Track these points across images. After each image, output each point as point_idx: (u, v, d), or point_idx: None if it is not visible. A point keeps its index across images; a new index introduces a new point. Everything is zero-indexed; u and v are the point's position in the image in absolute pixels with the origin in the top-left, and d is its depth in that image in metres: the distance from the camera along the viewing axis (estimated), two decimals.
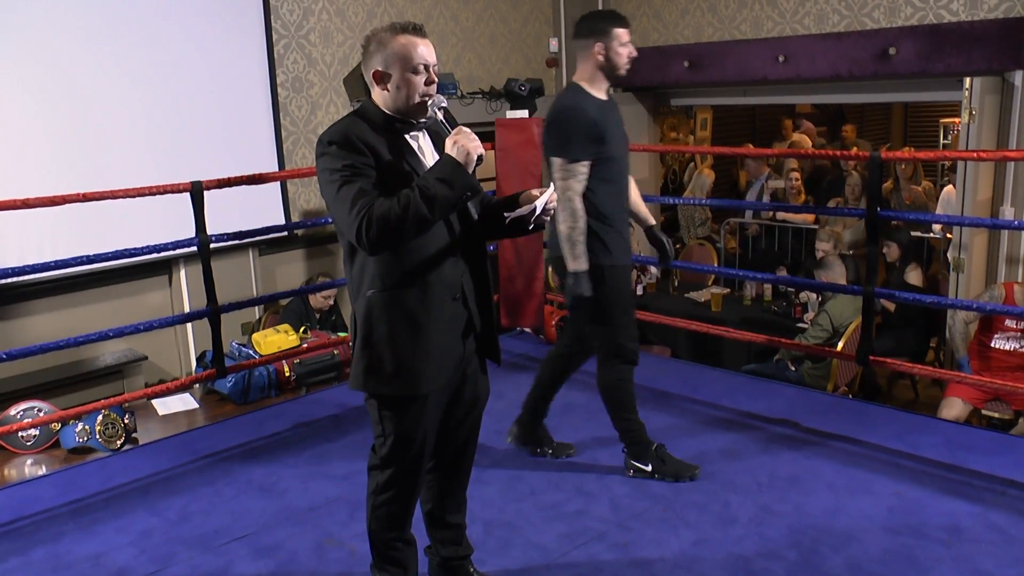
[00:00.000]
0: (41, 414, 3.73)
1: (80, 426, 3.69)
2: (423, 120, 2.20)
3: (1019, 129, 5.07)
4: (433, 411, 2.25)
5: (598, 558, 2.72)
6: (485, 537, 2.82)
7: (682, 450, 3.34)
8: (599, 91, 3.02)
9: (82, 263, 3.60)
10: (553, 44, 7.11)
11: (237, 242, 4.53)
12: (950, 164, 7.34)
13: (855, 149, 8.03)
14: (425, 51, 2.13)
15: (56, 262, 3.59)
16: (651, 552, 2.74)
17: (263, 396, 4.32)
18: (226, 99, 5.16)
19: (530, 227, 2.21)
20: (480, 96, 6.28)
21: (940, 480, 3.14)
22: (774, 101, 7.43)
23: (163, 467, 3.47)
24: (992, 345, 4.34)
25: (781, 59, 5.95)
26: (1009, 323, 4.27)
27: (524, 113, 4.85)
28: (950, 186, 6.19)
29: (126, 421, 3.82)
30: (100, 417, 3.72)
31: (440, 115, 2.17)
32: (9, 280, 3.90)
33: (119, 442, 3.75)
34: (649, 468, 3.20)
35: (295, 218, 5.57)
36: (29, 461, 3.70)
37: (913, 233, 6.01)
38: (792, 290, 5.77)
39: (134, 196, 3.61)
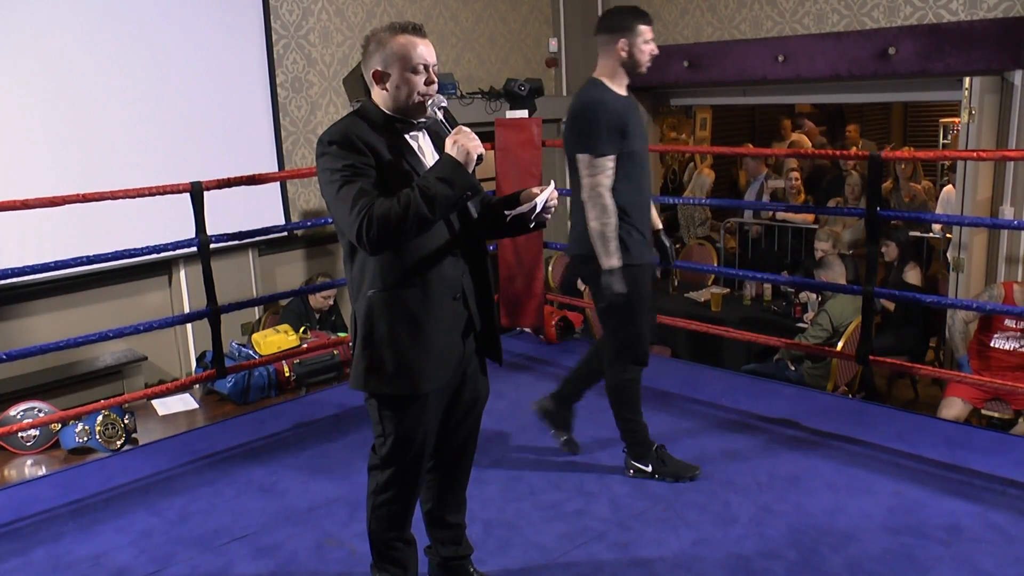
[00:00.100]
0: (41, 415, 3.73)
1: (80, 426, 3.69)
2: (423, 120, 2.20)
3: (1019, 129, 5.07)
4: (433, 411, 2.25)
5: (598, 558, 2.72)
6: (485, 537, 2.82)
7: (682, 450, 3.34)
8: (620, 87, 3.00)
9: (82, 263, 3.60)
10: (552, 44, 7.12)
11: (237, 242, 4.53)
12: (950, 164, 7.34)
13: (854, 149, 8.03)
14: (425, 51, 2.13)
15: (56, 263, 3.59)
16: (651, 552, 2.74)
17: (263, 396, 4.32)
18: (226, 99, 5.17)
19: (531, 225, 2.21)
20: (480, 96, 6.28)
21: (940, 480, 3.14)
22: (774, 101, 7.43)
23: (163, 467, 3.47)
24: (992, 345, 4.34)
25: (780, 59, 5.95)
26: (1009, 323, 4.28)
27: (524, 113, 4.85)
28: (950, 186, 6.19)
29: (126, 421, 3.82)
30: (100, 417, 3.72)
31: (440, 115, 2.17)
32: (9, 281, 3.89)
33: (119, 442, 3.75)
34: (649, 469, 3.20)
35: (295, 218, 5.57)
36: (29, 461, 3.70)
37: (913, 233, 6.01)
38: (792, 290, 5.78)
39: (134, 196, 3.60)
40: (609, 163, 2.90)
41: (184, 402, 4.26)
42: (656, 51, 3.02)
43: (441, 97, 2.18)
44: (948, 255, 5.50)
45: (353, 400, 3.95)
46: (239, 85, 5.23)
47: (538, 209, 2.16)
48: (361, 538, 2.49)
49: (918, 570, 2.59)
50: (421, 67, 2.12)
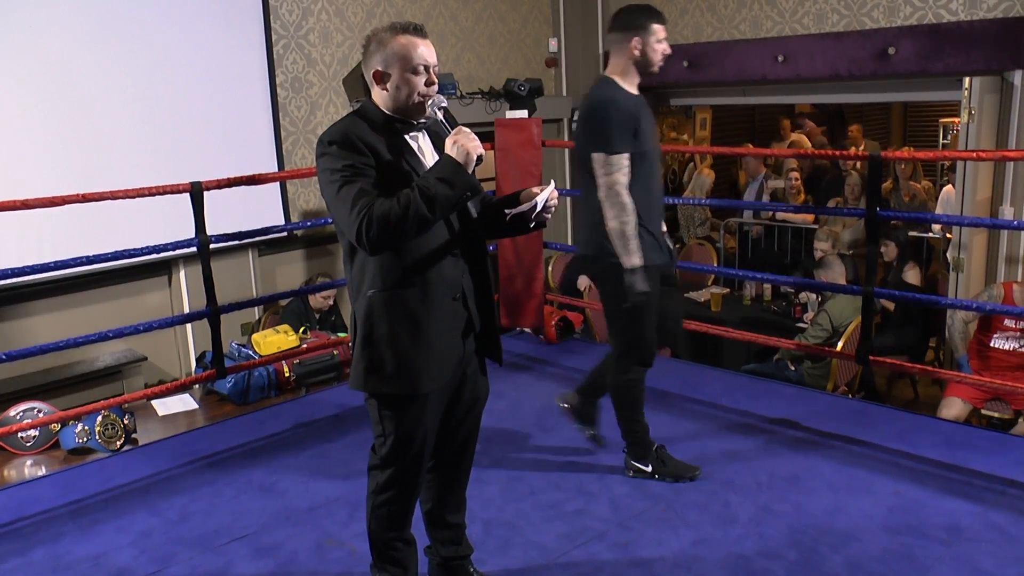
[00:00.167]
0: (41, 415, 3.73)
1: (80, 427, 3.69)
2: (423, 120, 2.20)
3: (1018, 129, 5.07)
4: (433, 411, 2.25)
5: (598, 558, 2.72)
6: (485, 537, 2.82)
7: (682, 450, 3.34)
8: (631, 86, 2.98)
9: (82, 264, 3.59)
10: (552, 44, 7.12)
11: (237, 242, 4.53)
12: (949, 164, 7.35)
13: (854, 148, 8.03)
14: (425, 51, 2.13)
15: (56, 263, 3.58)
16: (651, 552, 2.74)
17: (263, 396, 4.32)
18: (225, 99, 5.16)
19: (531, 225, 2.21)
20: (479, 96, 6.28)
21: (940, 480, 3.14)
22: (773, 101, 7.44)
23: (163, 467, 3.47)
24: (991, 345, 4.34)
25: (780, 59, 5.95)
26: (1008, 323, 4.28)
27: (523, 113, 4.85)
28: (949, 186, 6.19)
29: (126, 422, 3.82)
30: (100, 418, 3.72)
31: (440, 115, 2.17)
32: (9, 281, 3.89)
33: (119, 443, 3.75)
34: (649, 469, 3.20)
35: (294, 218, 5.57)
36: (29, 462, 3.70)
37: (912, 233, 6.02)
38: (792, 290, 5.78)
39: (134, 197, 3.60)
40: (624, 160, 2.87)
41: (184, 402, 4.26)
42: (668, 51, 3.00)
43: (441, 97, 2.18)
44: (948, 255, 5.51)
45: (353, 400, 3.95)
46: (239, 85, 5.23)
47: (538, 209, 2.16)
48: (361, 538, 2.49)
49: (918, 570, 2.59)
50: (422, 68, 2.12)
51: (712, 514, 2.95)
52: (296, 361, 4.44)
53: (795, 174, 7.26)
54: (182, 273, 5.15)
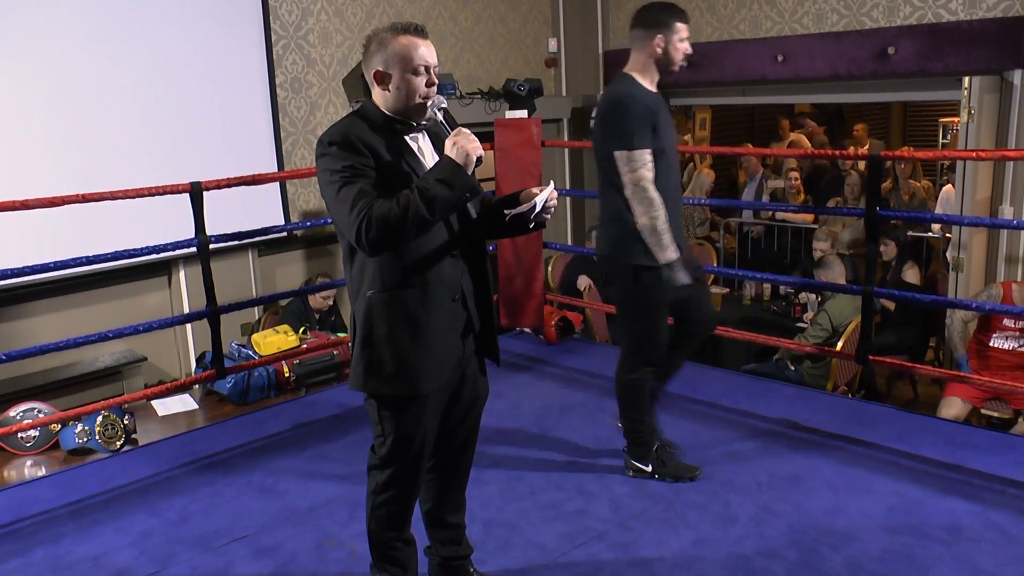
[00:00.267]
0: (41, 415, 3.73)
1: (80, 427, 3.69)
2: (423, 122, 2.20)
3: (1018, 128, 5.07)
4: (433, 411, 2.25)
5: (598, 558, 2.72)
6: (485, 537, 2.82)
7: (682, 450, 3.34)
8: (650, 84, 2.96)
9: (81, 264, 3.59)
10: (552, 44, 7.12)
11: (236, 243, 4.53)
12: (949, 163, 7.35)
13: (857, 147, 8.03)
14: (426, 52, 2.12)
15: (55, 263, 3.58)
16: (651, 552, 2.74)
17: (263, 397, 4.32)
18: (225, 100, 5.16)
19: (530, 225, 2.21)
20: (479, 96, 6.28)
21: (940, 479, 3.14)
22: (773, 101, 7.44)
23: (163, 468, 3.47)
24: (991, 344, 4.34)
25: (780, 59, 5.95)
26: (1007, 322, 4.28)
27: (523, 113, 4.85)
28: (949, 185, 6.20)
29: (126, 422, 3.82)
30: (100, 418, 3.72)
31: (440, 116, 2.17)
32: (8, 281, 3.89)
33: (119, 443, 3.75)
34: (649, 469, 3.19)
35: (294, 219, 5.57)
36: (29, 462, 3.70)
37: (912, 232, 6.02)
38: (792, 290, 5.78)
39: (133, 197, 3.60)
40: (647, 156, 2.84)
41: (184, 403, 4.26)
42: (690, 50, 2.97)
43: (441, 98, 2.17)
44: (948, 255, 5.51)
45: (353, 400, 3.95)
46: (239, 86, 5.22)
47: (537, 209, 2.16)
48: (361, 538, 2.49)
49: (918, 570, 2.59)
50: (422, 68, 2.12)
51: (712, 514, 2.95)
52: (296, 361, 4.44)
53: (795, 174, 7.26)
54: (182, 273, 5.15)
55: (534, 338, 5.03)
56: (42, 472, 3.58)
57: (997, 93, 5.13)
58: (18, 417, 3.72)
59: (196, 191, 3.74)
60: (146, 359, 5.02)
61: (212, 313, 3.87)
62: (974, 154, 4.08)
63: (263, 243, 5.40)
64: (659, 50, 2.92)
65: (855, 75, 5.70)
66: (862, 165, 6.91)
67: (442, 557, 2.52)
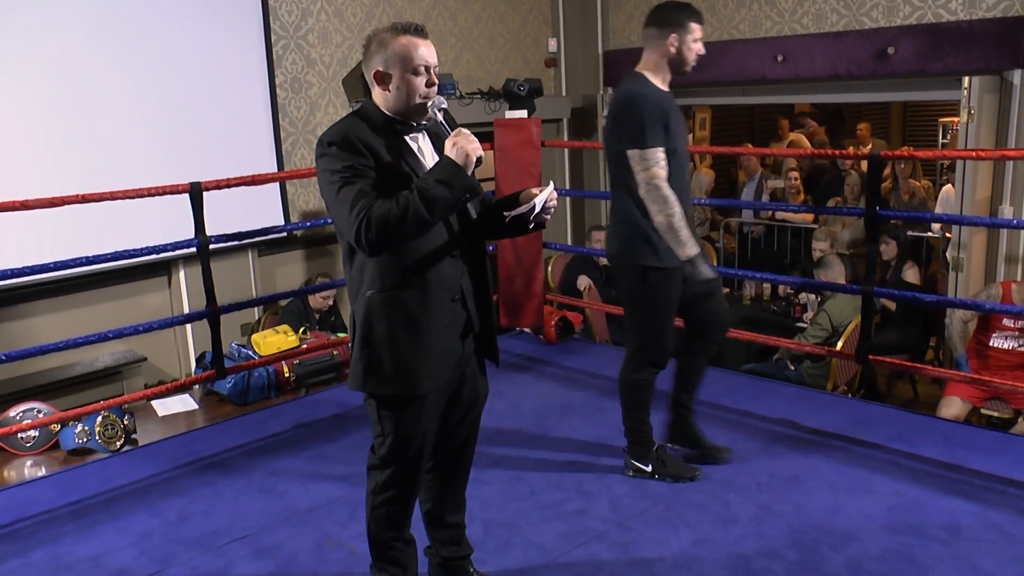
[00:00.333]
0: (41, 415, 3.73)
1: (80, 427, 3.69)
2: (423, 122, 2.20)
3: (1018, 128, 5.08)
4: (432, 411, 2.25)
5: (598, 558, 2.72)
6: (485, 537, 2.82)
7: (682, 450, 3.34)
8: (662, 83, 2.94)
9: (81, 264, 3.59)
10: (552, 44, 7.12)
11: (236, 243, 4.53)
12: (949, 163, 7.35)
13: (857, 147, 8.03)
14: (426, 52, 2.12)
15: (55, 263, 3.58)
16: (651, 552, 2.74)
17: (263, 397, 4.32)
18: (225, 100, 5.16)
19: (530, 226, 2.21)
20: (479, 96, 6.28)
21: (940, 479, 3.14)
22: (773, 101, 7.43)
23: (163, 468, 3.47)
24: (991, 344, 4.34)
25: (780, 59, 5.95)
26: (1007, 322, 4.28)
27: (523, 113, 4.85)
28: (949, 185, 6.20)
29: (125, 422, 3.82)
30: (100, 418, 3.72)
31: (440, 116, 2.17)
32: (8, 281, 3.89)
33: (119, 443, 3.75)
34: (649, 469, 3.19)
35: (294, 219, 5.57)
36: (29, 462, 3.70)
37: (912, 232, 6.02)
38: (791, 290, 5.78)
39: (133, 197, 3.60)
40: (660, 154, 2.82)
41: (184, 403, 4.26)
42: (703, 51, 2.95)
43: (442, 99, 2.17)
44: (947, 254, 5.51)
45: (353, 400, 3.95)
46: (238, 86, 5.23)
47: (537, 210, 2.16)
48: (361, 538, 2.49)
49: (918, 570, 2.59)
50: (422, 68, 2.12)
51: (712, 514, 2.95)
52: (296, 361, 4.44)
53: (794, 174, 7.26)
54: (182, 274, 5.15)
55: (534, 338, 5.03)
56: (42, 472, 3.58)
57: (997, 93, 5.13)
58: (18, 417, 3.73)
59: (196, 191, 3.74)
60: (146, 359, 5.02)
61: (212, 313, 3.87)
62: (974, 154, 4.08)
63: (263, 243, 5.40)
64: (672, 49, 2.90)
65: (855, 75, 5.70)
66: (864, 165, 6.90)
67: (442, 557, 2.52)
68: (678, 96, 3.06)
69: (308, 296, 5.08)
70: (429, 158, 2.21)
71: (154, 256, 4.01)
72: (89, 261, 3.58)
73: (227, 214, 4.31)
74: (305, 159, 5.59)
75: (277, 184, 5.38)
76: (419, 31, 2.14)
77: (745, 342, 4.85)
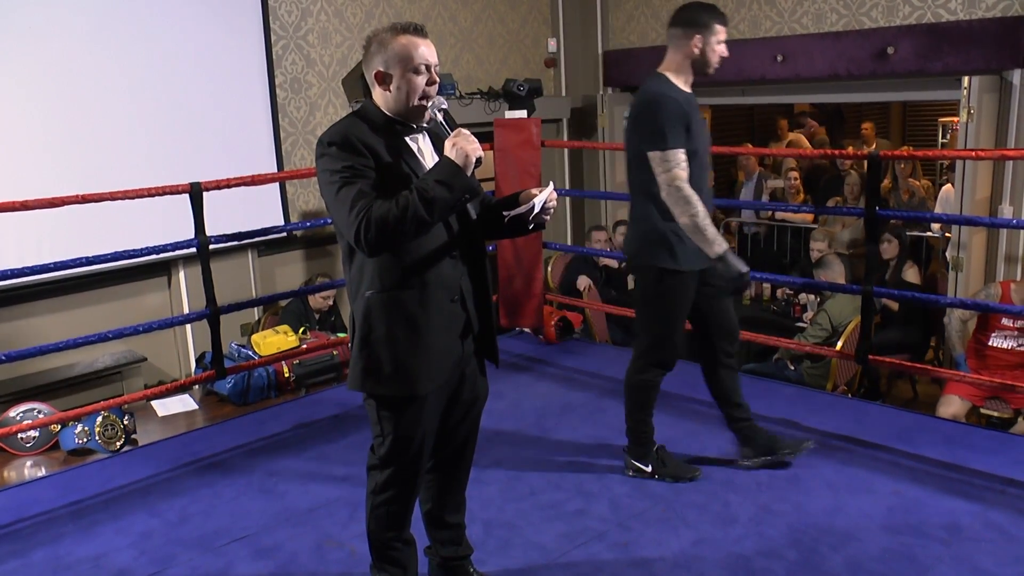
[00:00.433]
0: (40, 416, 3.73)
1: (79, 428, 3.69)
2: (423, 123, 2.20)
3: (1017, 128, 5.08)
4: (432, 411, 2.25)
5: (598, 558, 2.72)
6: (485, 537, 2.82)
7: (681, 450, 3.35)
8: (684, 84, 2.93)
9: (81, 264, 3.60)
10: (551, 44, 7.12)
11: (236, 243, 4.53)
12: (948, 163, 7.35)
13: (852, 148, 8.03)
14: (426, 51, 2.12)
15: (55, 263, 3.59)
16: (651, 552, 2.74)
17: (263, 397, 4.32)
18: (225, 100, 5.16)
19: (529, 226, 2.20)
20: (478, 96, 6.28)
21: (940, 479, 3.14)
22: (772, 101, 7.44)
23: (163, 468, 3.47)
24: (990, 343, 4.34)
25: (779, 58, 5.95)
26: (1006, 321, 4.28)
27: (523, 113, 4.85)
28: (948, 185, 6.20)
29: (125, 422, 3.82)
30: (99, 419, 3.72)
31: (440, 116, 2.17)
32: (8, 282, 3.89)
33: (118, 443, 3.75)
34: (649, 469, 3.19)
35: (294, 219, 5.57)
36: (29, 463, 3.70)
37: (912, 232, 6.02)
38: (790, 291, 5.78)
39: (133, 197, 3.60)
40: (681, 155, 2.81)
41: (184, 403, 4.26)
42: (726, 53, 2.94)
43: (442, 99, 2.17)
44: (947, 254, 5.51)
45: (353, 400, 3.95)
46: (238, 86, 5.23)
47: (536, 210, 2.16)
48: (361, 539, 2.48)
49: (918, 569, 2.59)
50: (423, 67, 2.12)
51: (712, 514, 2.95)
52: (296, 362, 4.44)
53: (794, 174, 7.26)
54: (182, 274, 5.15)
55: (534, 338, 5.03)
56: (42, 473, 3.58)
57: (996, 93, 5.13)
58: (18, 418, 3.73)
59: (196, 192, 3.74)
60: (146, 359, 5.02)
61: (212, 313, 3.87)
62: (973, 154, 4.08)
63: (263, 243, 5.40)
64: (696, 51, 2.89)
65: (854, 75, 5.70)
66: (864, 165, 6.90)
67: (442, 557, 2.52)
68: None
69: (308, 296, 5.08)
70: (429, 158, 2.21)
71: (154, 256, 4.02)
72: (89, 261, 3.59)
73: (227, 214, 4.31)
74: (305, 159, 5.59)
75: (277, 184, 5.38)
76: (419, 31, 2.14)
77: (745, 342, 4.84)
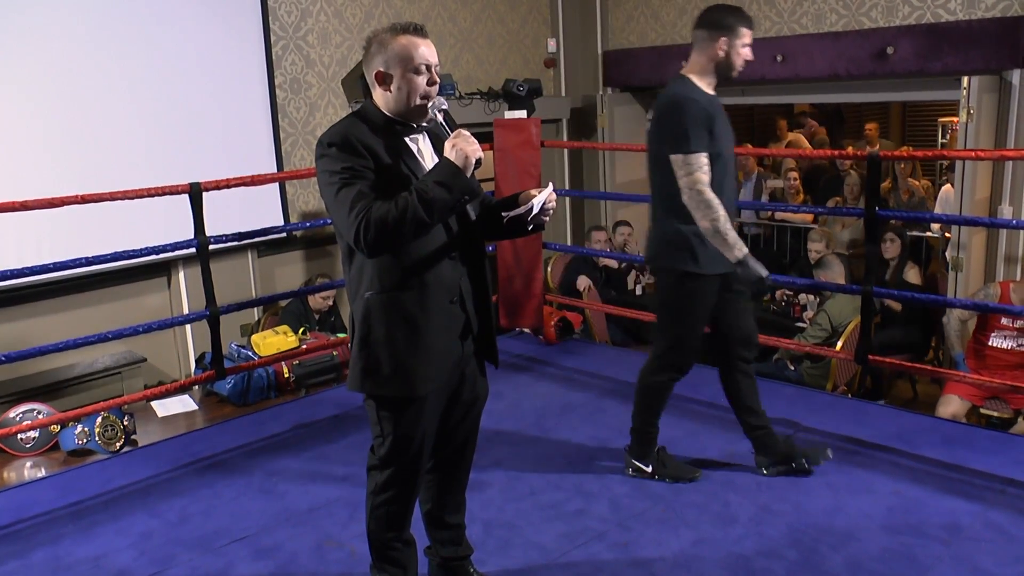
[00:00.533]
0: (40, 416, 3.73)
1: (79, 428, 3.69)
2: (423, 123, 2.20)
3: (1017, 128, 5.08)
4: (431, 412, 2.25)
5: (598, 558, 2.72)
6: (485, 537, 2.82)
7: (681, 450, 3.35)
8: (707, 86, 2.92)
9: (81, 265, 3.60)
10: (551, 44, 7.12)
11: (236, 243, 4.53)
12: (948, 163, 7.35)
13: (852, 148, 8.03)
14: (426, 51, 2.12)
15: (55, 264, 3.58)
16: (651, 552, 2.74)
17: (262, 397, 4.32)
18: (224, 101, 5.16)
19: (529, 227, 2.20)
20: (478, 97, 6.28)
21: (939, 479, 3.14)
22: (772, 101, 7.43)
23: (162, 469, 3.47)
24: (989, 344, 4.34)
25: (779, 59, 5.95)
26: (1005, 321, 4.28)
27: (522, 113, 4.85)
28: (948, 185, 6.20)
29: (125, 423, 3.82)
30: (99, 419, 3.72)
31: (440, 117, 2.17)
32: (8, 282, 3.89)
33: (118, 444, 3.75)
34: (649, 469, 3.19)
35: (294, 219, 5.57)
36: (28, 463, 3.70)
37: (912, 232, 6.02)
38: (790, 291, 5.77)
39: (133, 198, 3.60)
40: (703, 159, 2.80)
41: (183, 404, 4.26)
42: (751, 57, 2.93)
43: (442, 100, 2.17)
44: (947, 254, 5.51)
45: (353, 401, 3.95)
46: (238, 86, 5.23)
47: (535, 211, 2.16)
48: (361, 539, 2.49)
49: (918, 569, 2.59)
50: (423, 67, 2.11)
51: (712, 514, 2.95)
52: (296, 362, 4.44)
53: (794, 174, 7.26)
54: (181, 274, 5.14)
55: (533, 338, 5.03)
56: (42, 473, 3.58)
57: (996, 93, 5.13)
58: (18, 418, 3.73)
59: (195, 192, 3.75)
60: (146, 360, 5.02)
61: (212, 314, 3.87)
62: (973, 154, 4.08)
63: (263, 244, 5.40)
64: (721, 53, 2.88)
65: (854, 75, 5.70)
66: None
67: (442, 557, 2.52)
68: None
69: (308, 296, 5.08)
70: (429, 159, 2.21)
71: (154, 257, 4.01)
72: (89, 262, 3.59)
73: (227, 214, 4.32)
74: (305, 160, 5.59)
75: (277, 184, 5.37)
76: (419, 31, 2.14)
77: None
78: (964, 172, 5.13)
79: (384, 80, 2.14)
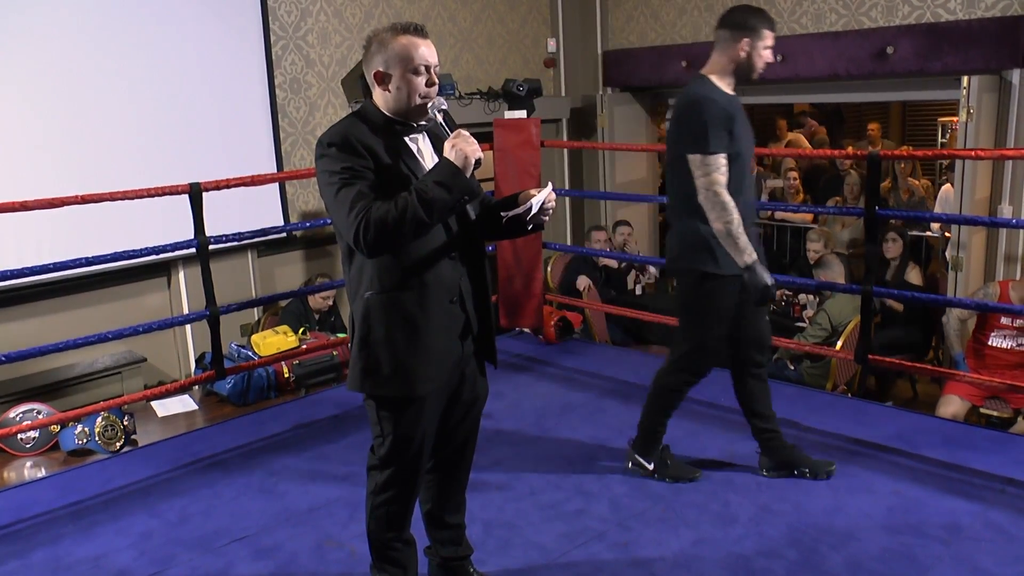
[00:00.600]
0: (40, 416, 3.73)
1: (79, 428, 3.69)
2: (423, 123, 2.20)
3: (1017, 128, 5.08)
4: (431, 412, 2.25)
5: (598, 558, 2.72)
6: (485, 537, 2.82)
7: (682, 450, 3.34)
8: (728, 86, 2.91)
9: (81, 265, 3.60)
10: (551, 44, 7.12)
11: (236, 243, 4.54)
12: (948, 163, 7.35)
13: (849, 148, 8.03)
14: (426, 51, 2.12)
15: (55, 264, 3.58)
16: (651, 552, 2.74)
17: (262, 397, 4.32)
18: (224, 101, 5.16)
19: (528, 227, 2.20)
20: (478, 97, 6.28)
21: (939, 479, 3.14)
22: (772, 100, 7.43)
23: (162, 469, 3.47)
24: (989, 343, 4.34)
25: (779, 58, 5.93)
26: (1005, 321, 4.28)
27: (522, 113, 4.85)
28: (948, 185, 6.20)
29: (125, 423, 3.82)
30: (99, 419, 3.72)
31: (440, 117, 2.16)
32: (8, 282, 3.89)
33: (118, 444, 3.75)
34: (651, 467, 3.19)
35: (294, 219, 5.57)
36: (28, 463, 3.70)
37: (912, 232, 6.02)
38: (789, 291, 5.77)
39: (132, 198, 3.60)
40: (722, 160, 2.79)
41: (183, 403, 4.26)
42: (772, 59, 2.92)
43: (442, 100, 2.17)
44: (947, 254, 5.51)
45: (353, 400, 3.95)
46: (238, 86, 5.23)
47: (534, 211, 2.15)
48: (361, 539, 2.49)
49: (918, 569, 2.59)
50: (423, 68, 2.11)
51: (712, 514, 2.95)
52: (296, 362, 4.44)
53: (794, 174, 7.26)
54: (181, 274, 5.15)
55: (533, 338, 5.03)
56: (42, 473, 3.58)
57: (996, 92, 5.13)
58: (18, 418, 3.73)
59: (195, 192, 3.75)
60: (146, 360, 5.02)
61: (211, 314, 3.87)
62: (973, 153, 4.09)
63: (262, 244, 5.40)
64: (743, 54, 2.87)
65: (854, 75, 5.70)
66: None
67: (442, 557, 2.52)
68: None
69: (308, 296, 5.08)
70: (429, 159, 2.21)
71: (154, 257, 4.01)
72: (89, 262, 3.59)
73: (227, 215, 4.32)
74: (304, 160, 5.59)
75: (276, 185, 5.37)
76: (419, 31, 2.14)
77: None
78: (964, 172, 5.13)
79: (384, 80, 2.14)
